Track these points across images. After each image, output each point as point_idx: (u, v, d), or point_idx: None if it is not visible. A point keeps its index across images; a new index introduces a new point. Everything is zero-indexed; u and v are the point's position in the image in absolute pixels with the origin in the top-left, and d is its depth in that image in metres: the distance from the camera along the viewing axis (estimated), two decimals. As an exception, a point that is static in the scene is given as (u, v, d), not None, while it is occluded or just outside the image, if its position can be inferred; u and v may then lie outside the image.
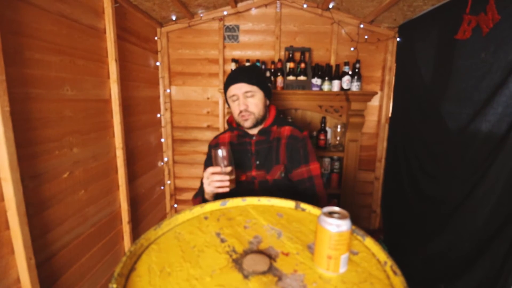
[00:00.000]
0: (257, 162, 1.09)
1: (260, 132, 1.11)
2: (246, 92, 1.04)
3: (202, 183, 1.02)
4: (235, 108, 1.07)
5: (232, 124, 1.17)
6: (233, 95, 1.06)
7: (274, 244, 0.64)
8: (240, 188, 1.07)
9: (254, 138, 1.11)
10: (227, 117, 2.11)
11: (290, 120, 2.06)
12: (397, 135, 1.96)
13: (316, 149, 2.06)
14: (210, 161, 1.02)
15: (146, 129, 1.92)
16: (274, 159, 1.08)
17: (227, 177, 0.90)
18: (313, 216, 0.74)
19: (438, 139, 1.44)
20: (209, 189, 0.94)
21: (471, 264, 1.15)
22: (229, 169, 0.91)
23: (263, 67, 2.03)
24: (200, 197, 1.06)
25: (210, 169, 0.91)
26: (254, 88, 1.05)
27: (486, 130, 1.12)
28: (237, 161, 1.08)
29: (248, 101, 1.05)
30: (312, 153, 1.10)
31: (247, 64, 1.94)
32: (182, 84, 2.19)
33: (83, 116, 1.25)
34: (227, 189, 0.91)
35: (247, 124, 1.07)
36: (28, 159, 0.97)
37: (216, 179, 0.90)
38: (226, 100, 1.14)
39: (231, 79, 1.07)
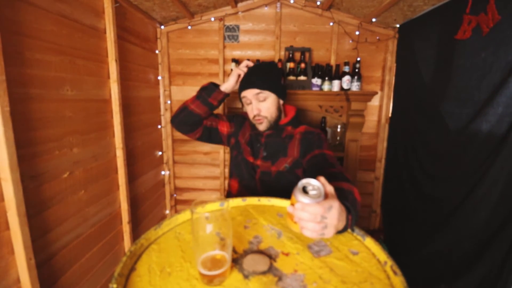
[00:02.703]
0: (264, 154, 1.13)
1: (272, 128, 1.15)
2: (258, 94, 1.08)
3: (198, 95, 1.16)
4: (249, 112, 1.14)
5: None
6: (245, 97, 1.12)
7: (274, 244, 0.64)
8: (241, 167, 1.16)
9: (266, 131, 1.16)
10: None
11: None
12: (397, 135, 1.96)
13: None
14: (232, 120, 1.25)
15: (146, 129, 1.92)
16: (282, 152, 1.11)
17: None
18: (313, 216, 0.74)
19: (438, 139, 1.43)
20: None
21: (471, 263, 1.15)
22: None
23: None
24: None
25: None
26: (266, 93, 1.09)
27: (486, 130, 1.12)
28: (248, 143, 1.19)
29: (261, 106, 1.10)
30: (326, 143, 1.09)
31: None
32: (182, 84, 2.19)
33: (83, 116, 1.25)
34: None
35: (261, 127, 1.13)
36: (28, 159, 0.97)
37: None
38: (240, 100, 1.19)
39: (244, 83, 1.11)
